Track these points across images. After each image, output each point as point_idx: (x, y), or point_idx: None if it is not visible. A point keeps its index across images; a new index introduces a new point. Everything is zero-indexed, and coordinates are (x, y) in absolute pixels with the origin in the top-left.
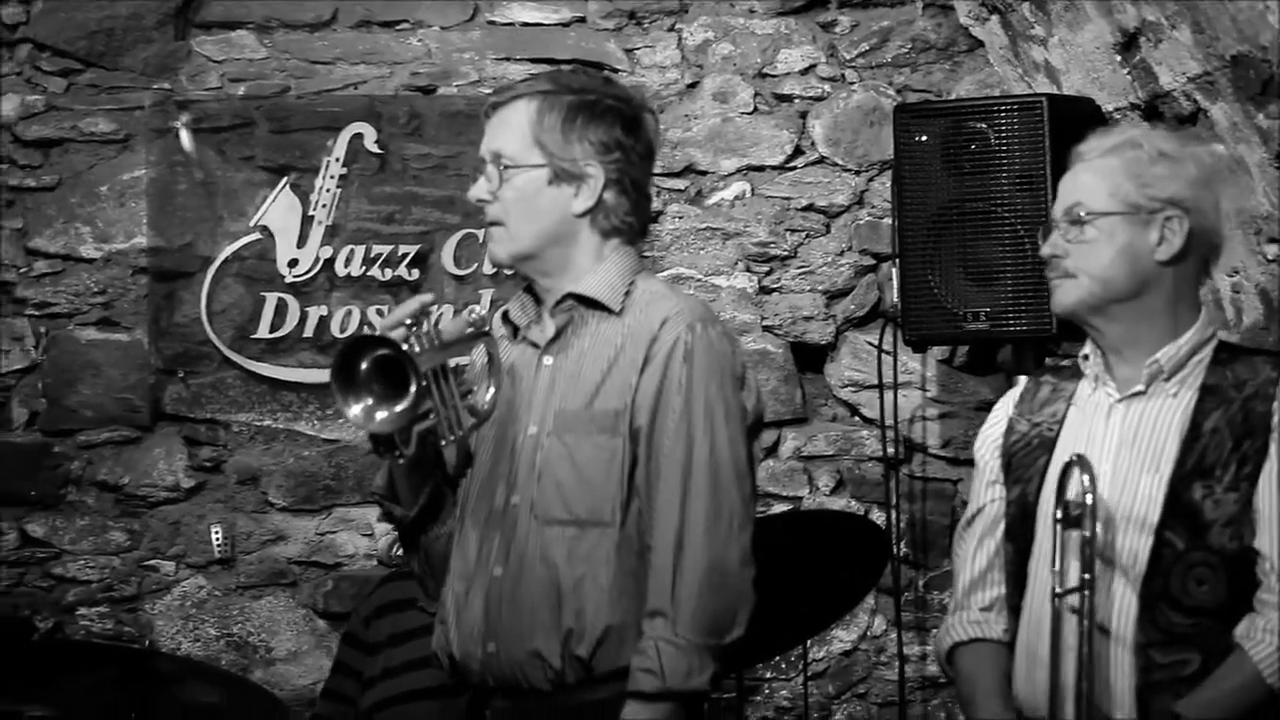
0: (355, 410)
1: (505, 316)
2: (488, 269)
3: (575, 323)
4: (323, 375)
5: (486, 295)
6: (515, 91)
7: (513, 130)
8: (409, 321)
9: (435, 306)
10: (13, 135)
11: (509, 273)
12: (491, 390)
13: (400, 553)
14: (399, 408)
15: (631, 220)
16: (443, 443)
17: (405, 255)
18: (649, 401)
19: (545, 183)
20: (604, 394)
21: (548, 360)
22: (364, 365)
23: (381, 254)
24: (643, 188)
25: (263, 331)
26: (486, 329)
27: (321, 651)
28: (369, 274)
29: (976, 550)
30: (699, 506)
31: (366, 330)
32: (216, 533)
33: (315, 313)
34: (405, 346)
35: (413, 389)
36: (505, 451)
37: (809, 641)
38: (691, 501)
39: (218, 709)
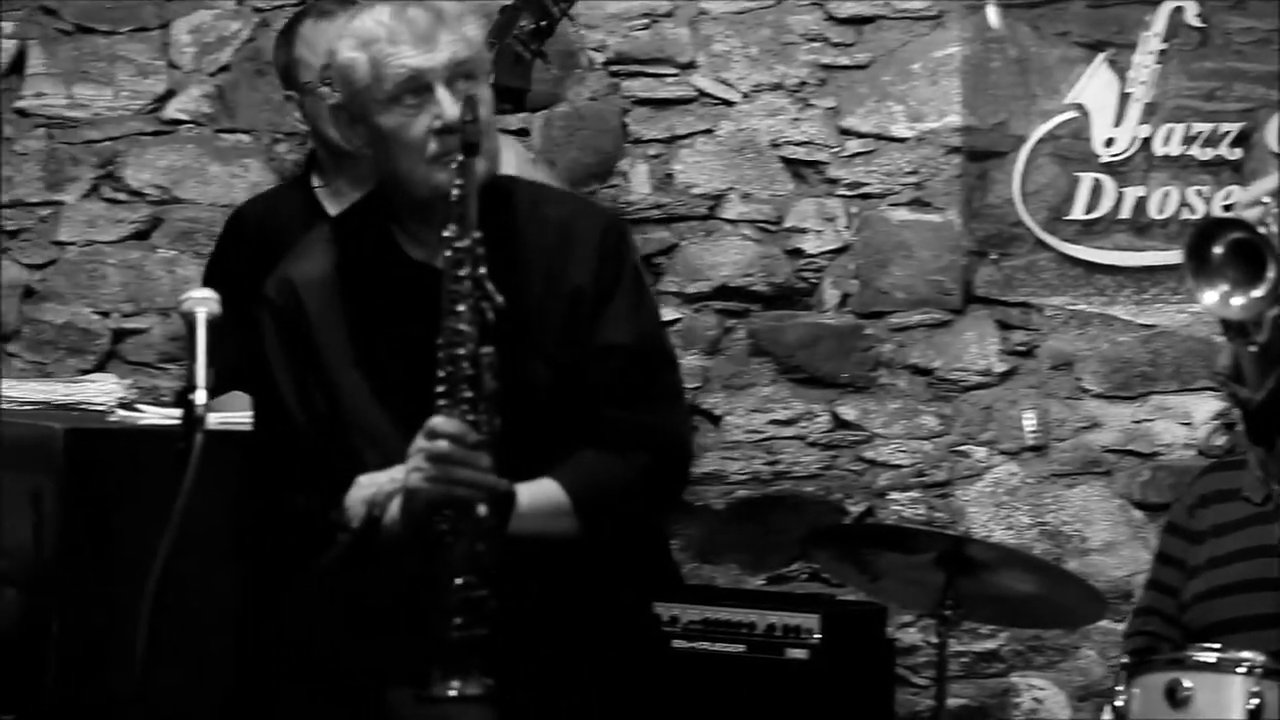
0: (1210, 296)
1: None
2: None
3: None
4: (1140, 258)
5: None
6: None
7: None
8: (1266, 200)
9: None
10: (826, 13)
11: None
12: None
13: (1223, 441)
14: (1255, 294)
15: None
16: None
17: (1226, 134)
18: None
19: None
20: None
21: None
22: (1217, 249)
23: (1201, 132)
24: None
25: (1077, 212)
26: None
27: (1138, 543)
28: (1188, 153)
29: None
30: None
31: (1219, 213)
32: (1029, 419)
33: (1132, 193)
34: (1261, 229)
35: (1270, 274)
36: None
37: None
38: None
39: (1035, 598)
